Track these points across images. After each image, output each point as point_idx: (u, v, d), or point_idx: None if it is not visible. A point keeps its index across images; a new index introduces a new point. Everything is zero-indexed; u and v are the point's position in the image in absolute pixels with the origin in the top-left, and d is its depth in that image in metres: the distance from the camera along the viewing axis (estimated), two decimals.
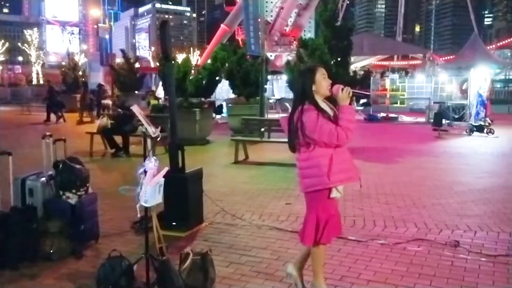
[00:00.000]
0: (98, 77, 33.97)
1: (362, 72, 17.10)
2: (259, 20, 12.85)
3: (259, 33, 12.65)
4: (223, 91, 21.20)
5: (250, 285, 3.64)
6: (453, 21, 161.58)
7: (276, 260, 4.11)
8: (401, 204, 6.02)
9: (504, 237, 4.69)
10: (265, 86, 13.98)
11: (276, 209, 5.76)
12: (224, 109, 17.60)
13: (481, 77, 14.09)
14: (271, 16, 40.80)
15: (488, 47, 37.20)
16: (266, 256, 4.21)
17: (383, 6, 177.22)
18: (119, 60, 31.86)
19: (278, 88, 25.72)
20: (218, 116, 17.98)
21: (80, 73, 27.38)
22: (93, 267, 3.83)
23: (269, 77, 20.72)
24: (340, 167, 3.13)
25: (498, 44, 48.47)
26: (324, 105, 3.15)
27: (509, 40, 47.64)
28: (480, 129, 13.27)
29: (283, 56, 39.22)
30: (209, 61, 14.96)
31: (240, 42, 15.59)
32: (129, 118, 9.55)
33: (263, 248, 4.40)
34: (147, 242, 3.39)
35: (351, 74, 11.72)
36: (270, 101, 21.20)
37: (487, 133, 13.10)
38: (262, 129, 9.50)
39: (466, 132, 13.50)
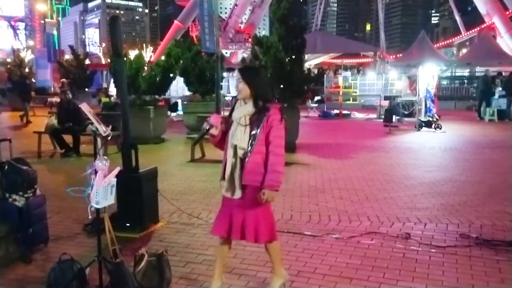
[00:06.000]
0: (45, 74, 32.75)
1: (316, 70, 17.37)
2: (214, 17, 12.74)
3: (214, 30, 12.55)
4: (178, 88, 20.93)
5: (207, 284, 3.60)
6: (402, 20, 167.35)
7: (234, 258, 4.09)
8: (354, 198, 6.15)
9: (452, 229, 4.88)
10: (221, 83, 13.91)
11: None
12: (180, 107, 17.38)
13: (429, 74, 14.59)
14: (226, 13, 40.68)
15: (435, 45, 38.58)
16: None
17: (335, 5, 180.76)
18: (68, 56, 30.82)
19: (234, 85, 25.66)
20: (173, 114, 17.74)
21: (27, 70, 26.23)
22: (42, 271, 3.69)
23: (224, 74, 20.65)
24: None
25: (444, 43, 50.41)
26: (238, 106, 3.33)
27: (455, 38, 49.68)
28: (428, 124, 13.72)
29: (239, 53, 39.19)
30: (162, 57, 14.71)
31: (195, 39, 15.40)
32: (79, 116, 9.26)
33: None
34: (99, 245, 3.30)
35: (306, 71, 11.84)
36: (226, 98, 21.17)
37: (435, 128, 13.57)
38: None
39: (415, 127, 13.93)
